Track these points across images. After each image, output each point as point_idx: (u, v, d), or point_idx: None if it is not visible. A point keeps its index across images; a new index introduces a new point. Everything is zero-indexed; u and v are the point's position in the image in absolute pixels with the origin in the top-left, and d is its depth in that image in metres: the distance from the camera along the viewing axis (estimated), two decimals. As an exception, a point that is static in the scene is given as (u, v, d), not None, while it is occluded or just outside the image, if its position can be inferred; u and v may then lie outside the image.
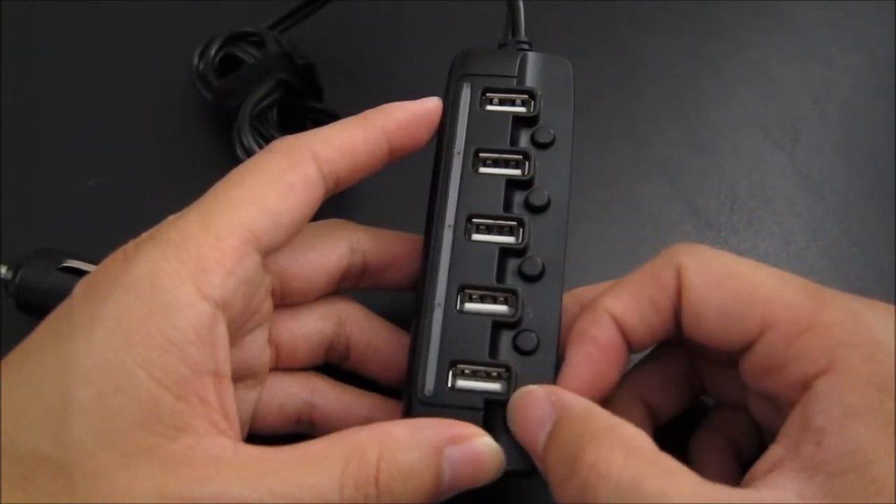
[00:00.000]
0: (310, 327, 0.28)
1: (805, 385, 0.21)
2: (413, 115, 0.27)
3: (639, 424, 0.21)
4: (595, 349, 0.24)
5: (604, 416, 0.22)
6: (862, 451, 0.19)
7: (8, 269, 0.31)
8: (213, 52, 0.37)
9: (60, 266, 0.30)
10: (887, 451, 0.19)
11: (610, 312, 0.24)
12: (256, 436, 0.27)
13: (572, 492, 0.21)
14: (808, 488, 0.19)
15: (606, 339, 0.24)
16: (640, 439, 0.21)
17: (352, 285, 0.29)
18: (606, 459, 0.20)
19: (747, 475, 0.21)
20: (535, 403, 0.23)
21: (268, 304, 0.26)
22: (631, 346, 0.25)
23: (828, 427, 0.20)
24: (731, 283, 0.23)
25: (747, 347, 0.23)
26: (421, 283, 0.26)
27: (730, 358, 0.24)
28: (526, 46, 0.30)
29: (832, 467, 0.19)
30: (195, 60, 0.38)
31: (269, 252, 0.24)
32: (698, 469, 0.20)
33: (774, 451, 0.21)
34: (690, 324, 0.24)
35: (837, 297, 0.22)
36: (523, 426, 0.23)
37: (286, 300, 0.27)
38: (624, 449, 0.20)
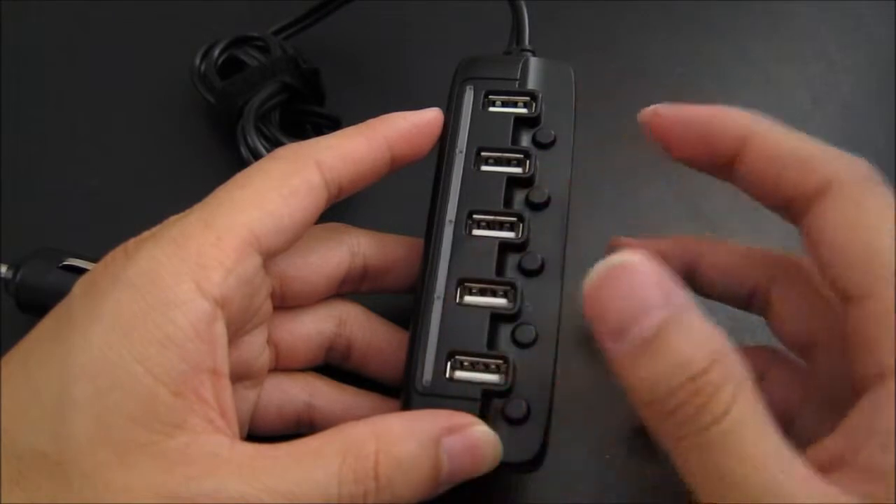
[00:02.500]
0: (309, 328, 0.28)
1: (881, 377, 0.20)
2: (415, 125, 0.27)
3: None
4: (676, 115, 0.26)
5: (717, 336, 0.19)
6: None
7: (8, 269, 0.31)
8: (216, 54, 0.38)
9: (61, 264, 0.30)
10: None
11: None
12: (256, 437, 0.27)
13: (658, 410, 0.19)
14: (873, 494, 0.18)
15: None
16: (747, 380, 0.19)
17: (352, 289, 0.29)
18: (720, 399, 0.18)
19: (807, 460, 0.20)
20: (641, 278, 0.19)
21: (267, 306, 0.26)
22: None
23: (889, 438, 0.19)
24: (801, 142, 0.24)
25: (805, 211, 0.23)
26: (421, 276, 0.26)
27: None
28: (530, 53, 0.30)
29: (890, 479, 0.18)
30: (197, 62, 0.38)
31: (269, 255, 0.24)
32: None
33: (836, 443, 0.20)
34: (754, 166, 0.24)
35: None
36: (615, 302, 0.19)
37: (286, 302, 0.28)
38: (735, 387, 0.18)
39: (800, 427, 0.25)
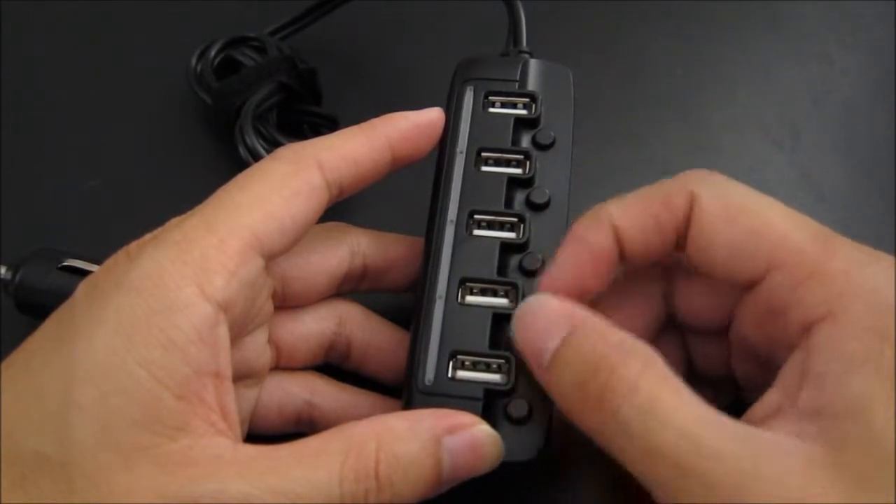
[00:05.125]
0: (310, 327, 0.28)
1: (804, 331, 0.21)
2: (416, 125, 0.27)
3: None
4: (586, 252, 0.24)
5: (617, 333, 0.22)
6: (861, 397, 0.19)
7: (7, 269, 0.31)
8: (212, 54, 0.38)
9: (60, 265, 0.30)
10: (887, 397, 0.19)
11: (611, 220, 0.24)
12: (257, 435, 0.27)
13: (579, 407, 0.21)
14: (807, 431, 0.19)
15: (600, 245, 0.24)
16: (655, 359, 0.21)
17: (352, 288, 0.29)
18: (622, 376, 0.20)
19: (743, 419, 0.21)
20: (545, 312, 0.23)
21: (269, 306, 0.26)
22: (624, 259, 0.24)
23: (827, 373, 0.20)
24: (744, 218, 0.23)
25: (751, 286, 0.23)
26: (422, 276, 0.26)
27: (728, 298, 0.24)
28: (527, 55, 0.31)
29: (831, 411, 0.19)
30: (194, 62, 0.38)
31: (272, 256, 0.24)
32: None
33: (771, 397, 0.21)
34: (696, 251, 0.23)
35: (846, 246, 0.22)
36: (530, 334, 0.23)
37: (287, 302, 0.28)
38: (641, 365, 0.20)
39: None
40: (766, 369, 0.23)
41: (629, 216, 0.24)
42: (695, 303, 0.26)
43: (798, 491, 0.18)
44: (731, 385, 0.26)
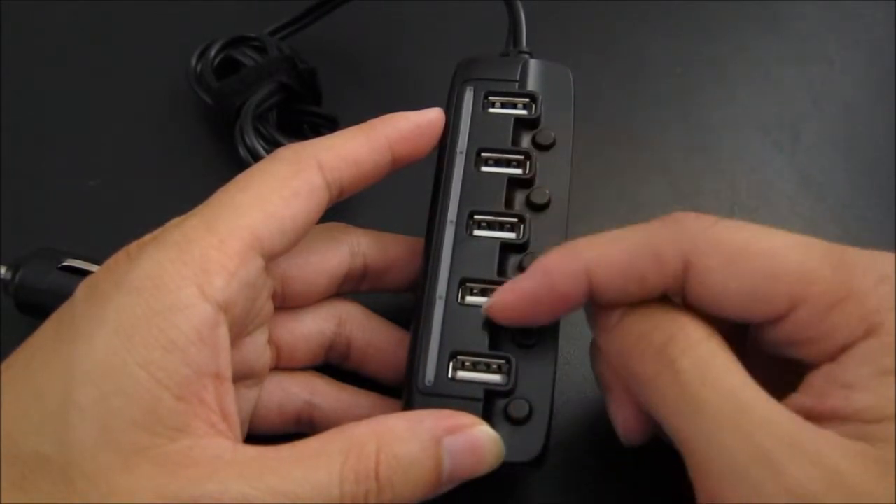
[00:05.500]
0: (310, 327, 0.28)
1: (841, 351, 0.21)
2: (416, 125, 0.27)
3: None
4: (547, 291, 0.23)
5: (687, 310, 0.23)
6: (891, 405, 0.19)
7: (7, 269, 0.31)
8: (212, 54, 0.38)
9: (60, 265, 0.30)
10: None
11: (587, 265, 0.23)
12: (256, 436, 0.27)
13: (637, 354, 0.22)
14: (842, 434, 0.19)
15: (566, 289, 0.23)
16: (719, 336, 0.22)
17: (352, 288, 0.29)
18: (688, 333, 0.21)
19: None
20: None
21: (269, 307, 0.26)
22: (594, 300, 0.23)
23: (857, 383, 0.20)
24: (752, 264, 0.21)
25: (773, 321, 0.22)
26: (422, 276, 0.26)
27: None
28: (527, 55, 0.31)
29: (861, 417, 0.20)
30: (193, 62, 0.38)
31: (272, 257, 0.24)
32: None
33: (797, 401, 0.21)
34: (703, 303, 0.22)
35: (862, 260, 0.21)
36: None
37: (287, 303, 0.28)
38: (707, 333, 0.22)
39: None
40: (786, 377, 0.22)
41: (610, 269, 0.23)
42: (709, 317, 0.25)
43: (837, 473, 0.19)
44: None
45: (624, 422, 0.24)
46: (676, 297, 0.23)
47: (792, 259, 0.22)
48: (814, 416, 0.20)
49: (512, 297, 0.24)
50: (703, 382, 0.20)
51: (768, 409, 0.20)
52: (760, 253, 0.22)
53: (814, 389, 0.21)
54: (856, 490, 0.18)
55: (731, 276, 0.22)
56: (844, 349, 0.21)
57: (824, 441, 0.19)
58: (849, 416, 0.20)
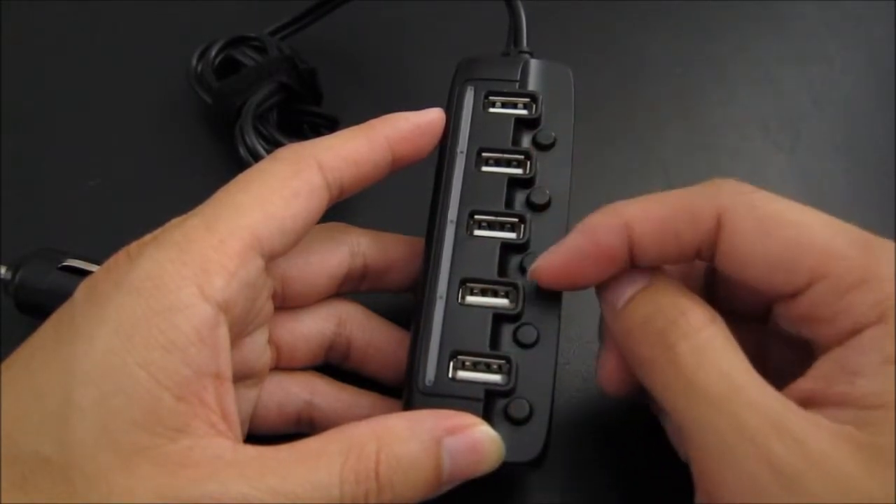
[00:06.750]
0: (310, 327, 0.28)
1: (853, 334, 0.21)
2: (417, 125, 0.27)
3: None
4: (591, 247, 0.24)
5: (693, 294, 0.23)
6: (891, 393, 0.20)
7: (7, 269, 0.31)
8: (213, 54, 0.38)
9: (60, 265, 0.30)
10: None
11: (627, 222, 0.23)
12: (257, 435, 0.27)
13: (639, 337, 0.23)
14: (840, 418, 0.20)
15: (609, 244, 0.24)
16: (722, 322, 0.22)
17: (352, 288, 0.29)
18: (689, 319, 0.22)
19: None
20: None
21: (269, 307, 0.26)
22: (634, 261, 0.24)
23: (863, 370, 0.20)
24: (782, 232, 0.22)
25: (792, 295, 0.22)
26: (423, 276, 0.26)
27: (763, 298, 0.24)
28: (528, 55, 0.30)
29: (867, 403, 0.20)
30: (194, 62, 0.38)
31: (272, 257, 0.24)
32: None
33: (803, 385, 0.21)
34: (730, 266, 0.23)
35: (888, 248, 0.22)
36: (612, 280, 0.24)
37: (287, 303, 0.28)
38: (709, 318, 0.22)
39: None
40: (803, 358, 0.23)
41: (648, 224, 0.23)
42: (732, 294, 0.26)
43: (820, 454, 0.19)
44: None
45: (607, 372, 0.25)
46: (707, 258, 0.24)
47: (819, 234, 0.22)
48: (820, 400, 0.21)
49: (557, 257, 0.24)
50: (699, 366, 0.21)
51: (759, 391, 0.20)
52: (790, 223, 0.22)
53: (822, 374, 0.21)
54: (837, 472, 0.19)
55: (758, 241, 0.22)
56: (854, 332, 0.21)
57: (810, 424, 0.20)
58: (852, 402, 0.20)
